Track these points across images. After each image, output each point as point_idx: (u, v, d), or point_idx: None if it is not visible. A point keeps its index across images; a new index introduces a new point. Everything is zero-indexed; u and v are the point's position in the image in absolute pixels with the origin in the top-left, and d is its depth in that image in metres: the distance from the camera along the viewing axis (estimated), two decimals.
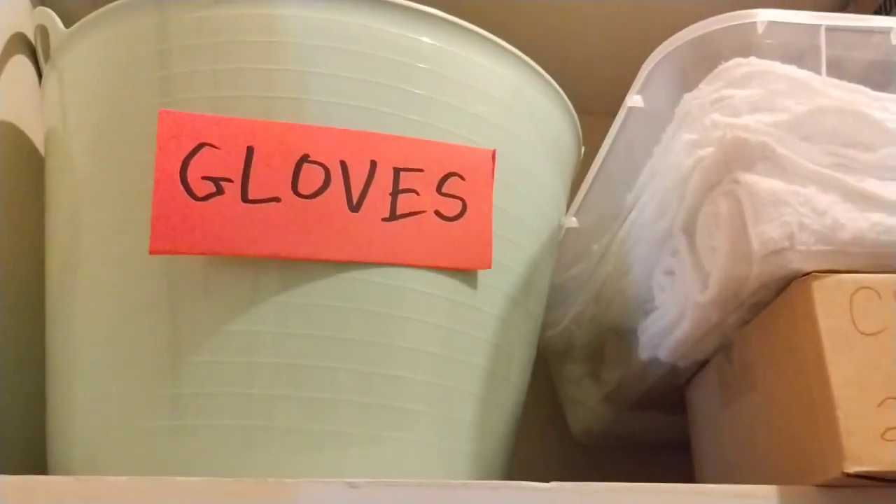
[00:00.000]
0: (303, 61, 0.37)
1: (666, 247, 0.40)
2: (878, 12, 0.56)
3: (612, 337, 0.49)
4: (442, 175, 0.37)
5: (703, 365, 0.44)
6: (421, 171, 0.36)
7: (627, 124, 0.40)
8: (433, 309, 0.37)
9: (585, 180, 0.46)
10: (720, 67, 0.38)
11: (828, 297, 0.32)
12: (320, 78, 0.37)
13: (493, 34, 0.41)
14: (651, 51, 0.38)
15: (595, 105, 0.52)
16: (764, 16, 0.35)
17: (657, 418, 0.52)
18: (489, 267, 0.38)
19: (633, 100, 0.39)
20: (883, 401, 0.31)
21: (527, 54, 0.43)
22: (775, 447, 0.35)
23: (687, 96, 0.39)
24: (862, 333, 0.32)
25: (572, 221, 0.49)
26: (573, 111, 0.46)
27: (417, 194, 0.36)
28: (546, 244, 0.44)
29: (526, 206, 0.42)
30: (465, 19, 0.40)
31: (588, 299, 0.51)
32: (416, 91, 0.38)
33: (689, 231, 0.38)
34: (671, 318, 0.40)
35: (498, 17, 0.48)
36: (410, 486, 0.30)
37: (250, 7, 0.38)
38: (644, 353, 0.44)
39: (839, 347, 0.31)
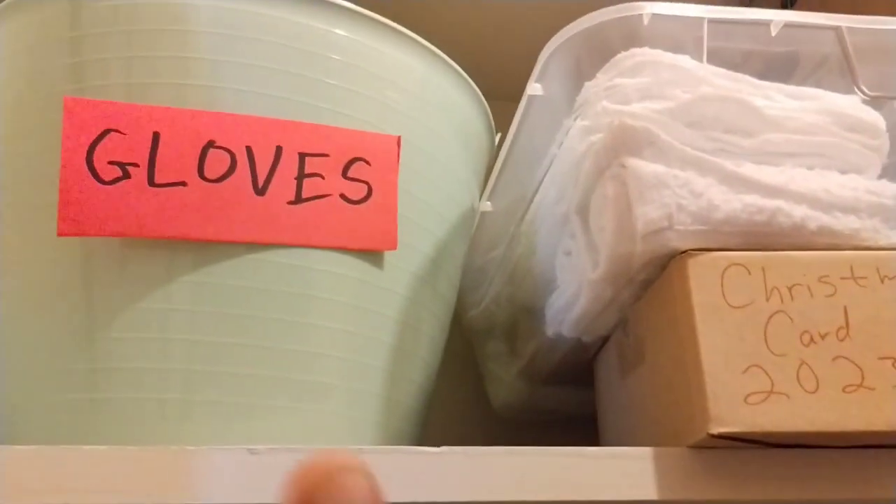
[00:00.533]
0: (217, 50, 0.38)
1: (565, 228, 0.43)
2: (784, 5, 0.59)
3: (524, 315, 0.51)
4: (347, 160, 0.38)
5: (606, 340, 0.46)
6: (326, 156, 0.38)
7: (529, 111, 0.42)
8: (342, 288, 0.39)
9: (496, 166, 0.48)
10: (616, 57, 0.40)
11: (701, 274, 0.35)
12: (234, 67, 0.38)
13: (404, 27, 0.43)
14: None
15: (511, 91, 0.54)
16: (650, 8, 0.37)
17: (570, 392, 0.54)
18: (395, 248, 0.40)
19: (533, 88, 0.41)
20: (747, 368, 0.33)
21: (440, 47, 0.44)
22: (659, 413, 0.38)
23: (587, 85, 0.41)
24: (731, 307, 0.34)
25: (487, 205, 0.51)
26: (482, 99, 0.48)
27: (323, 178, 0.38)
28: (455, 227, 0.46)
29: (433, 191, 0.43)
30: (377, 13, 0.42)
31: (504, 280, 0.53)
32: (329, 81, 0.40)
33: (583, 213, 0.40)
34: (570, 296, 0.42)
35: (408, 11, 0.50)
36: (309, 452, 0.31)
37: None
38: (550, 330, 0.46)
39: (710, 319, 0.34)
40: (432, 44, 0.44)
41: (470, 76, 0.47)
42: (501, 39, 0.64)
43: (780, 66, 0.42)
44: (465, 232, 0.48)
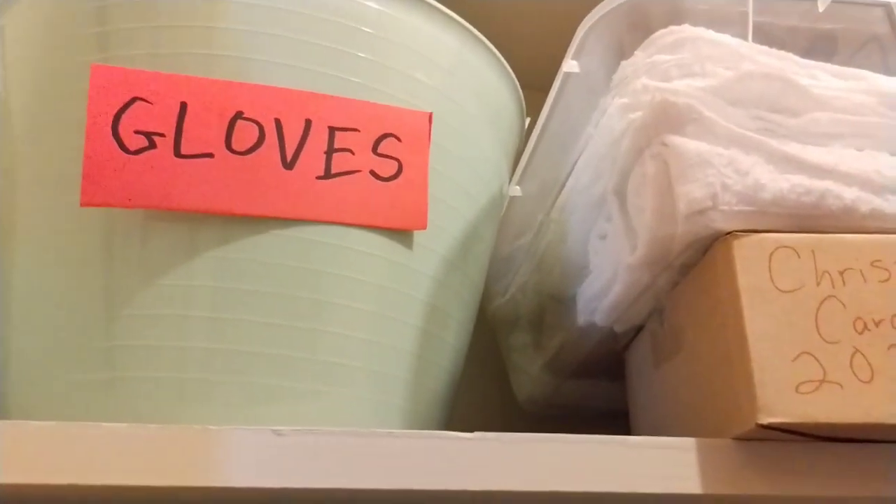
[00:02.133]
0: (246, 21, 0.37)
1: (601, 211, 0.41)
2: None
3: (552, 304, 0.50)
4: (378, 135, 0.37)
5: (639, 330, 0.45)
6: (357, 130, 0.37)
7: (565, 90, 0.41)
8: (369, 267, 0.38)
9: (527, 149, 0.47)
10: (654, 35, 0.38)
11: (748, 255, 0.33)
12: (263, 38, 0.37)
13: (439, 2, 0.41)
14: None
15: (543, 81, 0.53)
16: None
17: (599, 386, 0.53)
18: (424, 228, 0.38)
19: (569, 65, 0.40)
20: (798, 355, 0.32)
21: (476, 26, 0.43)
22: (699, 403, 0.36)
23: (623, 63, 0.40)
24: (780, 290, 0.33)
25: (516, 190, 0.50)
26: (515, 81, 0.46)
27: (353, 154, 0.36)
28: (486, 210, 0.45)
29: (464, 171, 0.42)
30: None
31: (532, 268, 0.52)
32: (360, 54, 0.38)
33: (621, 194, 0.39)
34: (604, 281, 0.41)
35: None
36: (336, 435, 0.30)
37: None
38: (581, 318, 0.45)
39: (757, 303, 0.32)
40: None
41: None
42: (534, 26, 0.62)
43: (820, 48, 0.40)
44: (494, 215, 0.47)
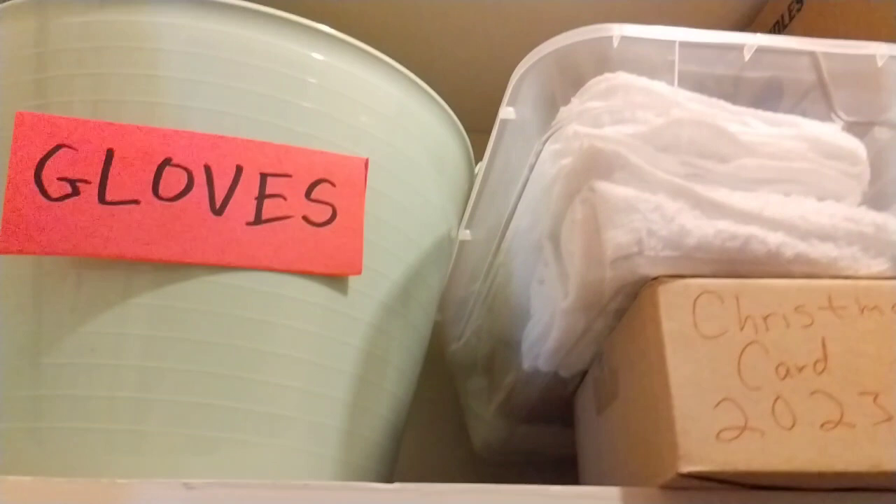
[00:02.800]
0: (189, 70, 0.38)
1: (539, 256, 0.41)
2: (772, 31, 0.59)
3: (502, 348, 0.50)
4: (311, 181, 0.37)
5: (585, 374, 0.45)
6: (289, 176, 0.37)
7: (503, 136, 0.41)
8: (304, 314, 0.38)
9: (472, 194, 0.47)
10: (590, 81, 0.39)
11: (672, 301, 0.33)
12: (207, 87, 0.38)
13: (383, 53, 0.42)
14: None
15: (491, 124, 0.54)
16: (619, 30, 0.37)
17: (551, 431, 0.52)
18: (359, 273, 0.38)
19: (505, 112, 0.40)
20: (720, 402, 0.31)
21: (420, 76, 0.44)
22: (631, 451, 0.36)
23: (562, 109, 0.40)
24: (703, 336, 0.33)
25: (466, 234, 0.50)
26: (461, 128, 0.47)
27: (285, 199, 0.37)
28: (429, 255, 0.45)
29: (405, 217, 0.42)
30: (355, 38, 0.41)
31: (484, 312, 0.51)
32: (304, 104, 0.39)
33: (555, 239, 0.39)
34: (543, 326, 0.41)
35: (387, 39, 0.50)
36: (248, 487, 0.30)
37: (136, 14, 0.38)
38: (526, 363, 0.44)
39: (680, 349, 0.32)
40: (412, 72, 0.43)
41: (450, 107, 0.46)
42: (481, 71, 0.63)
43: (767, 95, 0.41)
44: (441, 260, 0.47)
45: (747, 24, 0.61)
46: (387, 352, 0.41)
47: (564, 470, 0.53)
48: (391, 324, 0.41)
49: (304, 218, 0.37)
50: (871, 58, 0.38)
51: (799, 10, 0.55)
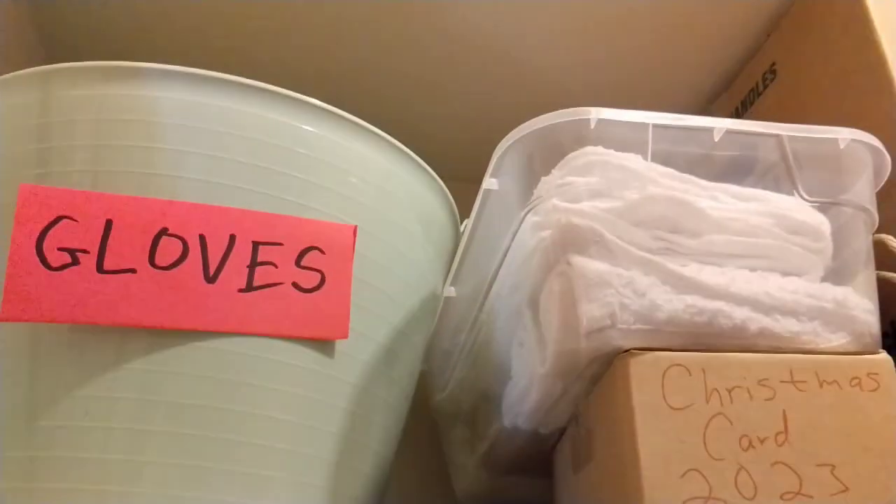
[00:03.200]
0: (183, 142, 0.39)
1: (519, 320, 0.43)
2: (743, 103, 0.61)
3: (483, 402, 0.51)
4: (301, 248, 0.39)
5: (564, 431, 0.46)
6: (280, 244, 0.39)
7: (485, 204, 0.43)
8: (291, 378, 0.39)
9: (458, 253, 0.49)
10: (569, 156, 0.41)
11: (643, 373, 0.35)
12: (200, 158, 0.39)
13: (368, 120, 0.44)
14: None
15: (476, 174, 0.56)
16: (596, 114, 0.39)
17: (532, 483, 0.54)
18: (346, 337, 0.40)
19: (489, 182, 0.42)
20: (686, 472, 0.33)
21: (406, 134, 0.46)
22: None
23: (543, 179, 0.42)
24: (671, 408, 0.34)
25: (451, 291, 0.52)
26: (445, 190, 0.49)
27: (276, 266, 0.38)
28: (414, 315, 0.46)
29: (391, 280, 0.44)
30: (340, 107, 0.43)
31: (468, 365, 0.53)
32: (295, 174, 0.41)
33: (534, 307, 0.41)
34: (522, 387, 0.42)
35: (374, 100, 0.52)
36: None
37: (134, 88, 0.40)
38: (506, 420, 0.46)
39: (650, 420, 0.34)
40: (397, 130, 0.45)
41: (435, 160, 0.48)
42: (465, 122, 0.66)
43: (736, 170, 0.43)
44: (425, 318, 0.49)
45: (723, 89, 0.64)
46: (371, 411, 0.43)
47: None
48: (376, 384, 0.43)
49: (294, 284, 0.39)
50: (834, 141, 0.40)
51: (772, 80, 0.58)
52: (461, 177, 0.52)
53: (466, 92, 0.64)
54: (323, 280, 0.39)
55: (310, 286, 0.39)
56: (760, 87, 0.59)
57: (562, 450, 0.47)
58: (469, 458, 0.55)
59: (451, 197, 0.49)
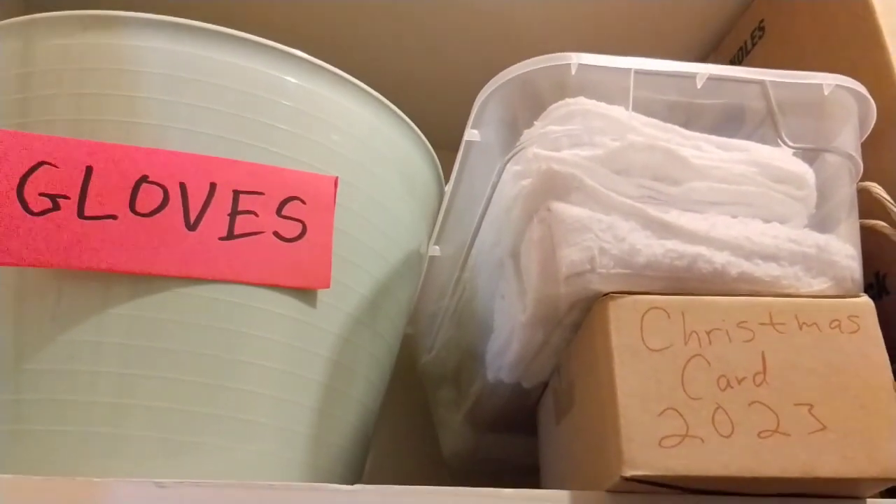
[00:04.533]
0: (168, 91, 0.39)
1: (501, 272, 0.43)
2: (732, 61, 0.61)
3: (468, 359, 0.51)
4: (282, 198, 0.39)
5: (546, 386, 0.46)
6: (261, 194, 0.39)
7: (468, 157, 0.43)
8: (275, 326, 0.39)
9: (441, 212, 0.49)
10: (551, 106, 0.41)
11: (621, 316, 0.35)
12: (184, 108, 0.39)
13: (355, 76, 0.44)
14: None
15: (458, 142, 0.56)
16: (577, 59, 0.39)
17: (517, 440, 0.54)
18: (328, 286, 0.40)
19: (470, 134, 0.42)
20: (663, 411, 0.33)
21: (392, 97, 0.46)
22: (584, 457, 0.38)
23: (526, 132, 0.42)
24: (649, 349, 0.34)
25: (435, 250, 0.52)
26: (429, 148, 0.49)
27: (256, 216, 0.38)
28: (398, 270, 0.46)
29: (374, 234, 0.44)
30: (328, 62, 0.43)
31: (453, 325, 0.53)
32: (278, 125, 0.41)
33: (516, 256, 0.41)
34: (504, 339, 0.42)
35: (359, 61, 0.52)
36: (216, 487, 0.31)
37: (115, 37, 0.40)
38: (490, 374, 0.46)
39: (628, 362, 0.34)
40: (384, 94, 0.45)
41: (421, 126, 0.48)
42: (448, 91, 0.65)
43: (725, 122, 0.43)
44: (409, 275, 0.49)
45: (712, 49, 0.64)
46: (355, 362, 0.43)
47: (531, 479, 0.55)
48: (359, 335, 0.43)
49: (275, 233, 0.39)
50: (818, 87, 0.40)
51: (761, 37, 0.57)
52: (445, 146, 0.52)
53: (444, 51, 0.63)
54: (304, 230, 0.39)
55: (291, 236, 0.39)
56: (749, 46, 0.59)
57: (545, 404, 0.47)
58: (454, 418, 0.55)
59: (435, 156, 0.49)
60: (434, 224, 0.52)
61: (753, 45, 0.58)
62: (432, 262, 0.52)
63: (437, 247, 0.52)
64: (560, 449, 0.43)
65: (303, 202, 0.40)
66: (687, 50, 0.63)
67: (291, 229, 0.39)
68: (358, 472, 0.45)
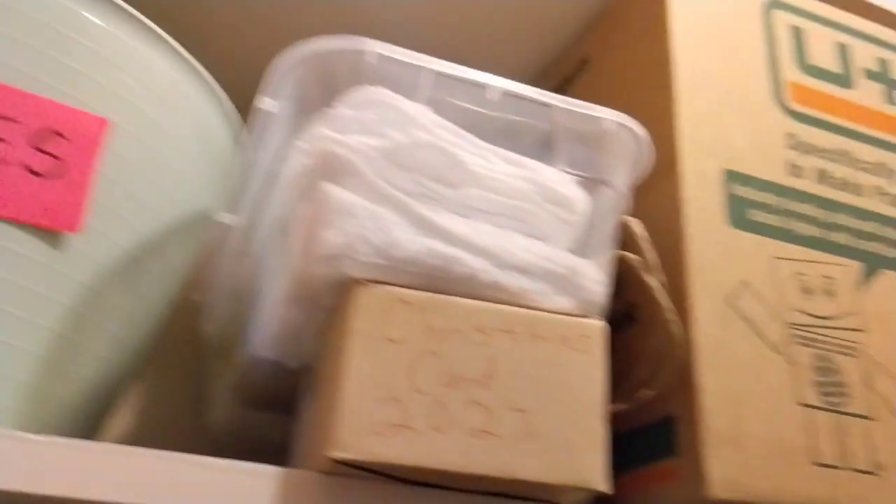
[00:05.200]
0: None
1: (274, 247, 0.42)
2: (561, 84, 0.64)
3: (240, 333, 0.50)
4: (38, 129, 0.37)
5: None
6: (15, 121, 0.36)
7: (263, 127, 0.42)
8: (13, 265, 0.37)
9: (237, 180, 0.48)
10: (351, 90, 0.41)
11: (367, 303, 0.35)
12: None
13: (167, 29, 0.42)
14: None
15: None
16: (372, 46, 0.39)
17: (279, 420, 0.53)
18: (76, 231, 0.38)
19: (266, 103, 0.41)
20: (386, 400, 0.34)
21: (200, 50, 0.44)
22: (312, 437, 0.38)
23: (324, 111, 0.42)
24: (387, 339, 0.35)
25: (227, 218, 0.50)
26: (231, 112, 0.48)
27: (5, 142, 0.36)
28: (175, 232, 0.45)
29: (149, 189, 0.42)
30: (140, 10, 0.41)
31: (233, 296, 0.52)
32: (72, 64, 0.38)
33: (286, 233, 0.40)
34: (267, 314, 0.42)
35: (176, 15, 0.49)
36: None
37: None
38: (253, 350, 0.45)
39: (364, 349, 0.34)
40: (198, 51, 0.44)
41: (233, 86, 0.47)
42: (244, 69, 0.64)
43: (519, 137, 0.44)
44: (190, 240, 0.47)
45: (540, 77, 0.66)
46: (101, 316, 0.41)
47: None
48: (112, 289, 0.41)
49: (25, 166, 0.36)
50: (598, 120, 0.43)
51: (587, 70, 0.60)
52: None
53: (244, 30, 0.62)
54: (62, 168, 0.37)
55: (44, 171, 0.37)
56: (574, 77, 0.62)
57: (303, 384, 0.47)
58: (223, 392, 0.54)
59: (239, 121, 0.48)
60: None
61: (578, 77, 0.61)
62: (227, 231, 0.51)
63: (229, 215, 0.50)
64: (302, 429, 0.43)
65: (65, 138, 0.37)
66: (516, 77, 0.65)
67: (46, 164, 0.37)
68: (90, 429, 0.42)
